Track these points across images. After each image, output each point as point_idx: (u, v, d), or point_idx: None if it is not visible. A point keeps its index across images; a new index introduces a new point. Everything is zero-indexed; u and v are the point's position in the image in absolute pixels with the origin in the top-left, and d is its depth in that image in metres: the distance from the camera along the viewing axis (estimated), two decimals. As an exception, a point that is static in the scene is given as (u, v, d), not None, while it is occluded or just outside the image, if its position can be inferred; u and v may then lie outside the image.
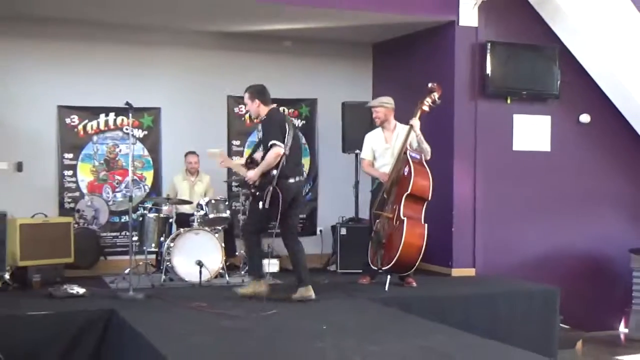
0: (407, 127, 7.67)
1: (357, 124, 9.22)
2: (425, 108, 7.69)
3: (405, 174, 7.49)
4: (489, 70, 8.75)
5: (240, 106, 9.77)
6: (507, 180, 9.03)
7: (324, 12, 8.44)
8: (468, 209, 8.77)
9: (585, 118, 9.35)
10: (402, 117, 7.85)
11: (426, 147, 7.66)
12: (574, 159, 9.36)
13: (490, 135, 8.89)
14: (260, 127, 7.19)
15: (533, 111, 9.14)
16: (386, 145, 7.83)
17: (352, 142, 9.28)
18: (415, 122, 7.60)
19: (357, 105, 9.40)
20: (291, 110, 10.00)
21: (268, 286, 7.10)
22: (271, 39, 9.73)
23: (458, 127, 8.71)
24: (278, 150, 6.76)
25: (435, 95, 7.72)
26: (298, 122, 10.04)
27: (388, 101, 7.86)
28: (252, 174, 6.94)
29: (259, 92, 7.07)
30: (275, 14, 8.57)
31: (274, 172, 6.79)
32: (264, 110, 7.06)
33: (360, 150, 8.85)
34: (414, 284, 7.78)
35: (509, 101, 9.00)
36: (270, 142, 6.80)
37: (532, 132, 9.15)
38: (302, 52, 9.98)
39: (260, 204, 6.80)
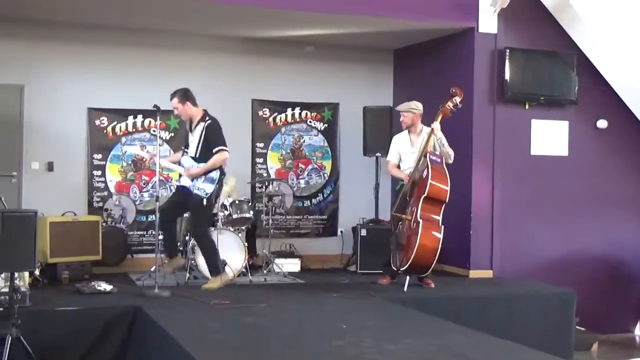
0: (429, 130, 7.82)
1: (377, 127, 9.41)
2: (447, 112, 7.83)
3: (424, 176, 7.59)
4: (507, 76, 8.85)
5: (264, 109, 9.95)
6: (525, 184, 9.12)
7: (346, 19, 8.56)
8: (486, 212, 8.86)
9: (602, 123, 9.41)
10: (423, 121, 7.96)
11: (448, 150, 7.76)
12: (591, 164, 9.42)
13: (509, 139, 8.99)
14: (203, 129, 7.48)
15: (551, 116, 9.21)
16: (412, 149, 7.90)
17: (372, 146, 9.46)
18: (436, 125, 7.72)
19: (378, 110, 9.58)
20: (314, 114, 10.16)
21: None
22: (294, 44, 9.87)
23: (477, 132, 8.81)
24: (226, 155, 7.42)
25: (457, 99, 7.84)
26: (320, 126, 10.21)
27: (416, 106, 7.92)
28: (195, 172, 7.41)
29: (187, 95, 7.53)
30: (298, 20, 8.71)
31: (217, 172, 7.40)
32: (196, 111, 7.56)
33: (381, 153, 9.06)
34: (432, 285, 7.86)
35: (527, 106, 9.09)
36: (219, 147, 7.37)
37: (549, 137, 9.23)
38: (324, 57, 10.10)
39: (205, 200, 7.37)
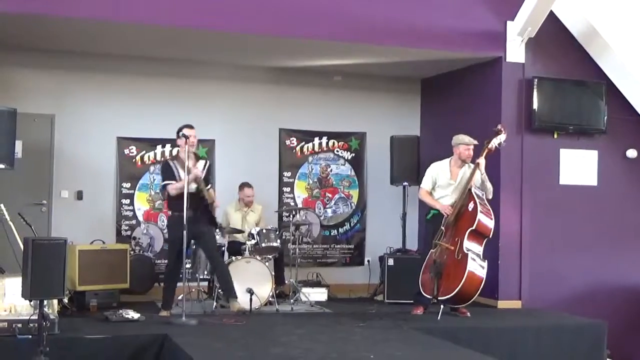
0: (472, 166, 7.82)
1: (405, 157, 9.41)
2: (492, 148, 7.84)
3: (470, 209, 7.61)
4: (535, 106, 8.83)
5: (291, 139, 9.99)
6: (554, 214, 9.05)
7: (373, 49, 8.59)
8: (514, 242, 8.81)
9: (632, 153, 9.34)
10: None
11: (489, 186, 7.81)
12: (620, 194, 9.35)
13: (537, 169, 8.96)
14: (205, 165, 7.74)
15: (580, 146, 9.17)
16: (451, 180, 7.90)
17: (399, 175, 9.46)
18: (482, 161, 7.75)
19: (406, 139, 9.58)
20: (341, 143, 10.18)
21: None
22: (322, 74, 9.92)
23: (505, 161, 8.77)
24: None
25: (502, 137, 7.87)
26: (348, 155, 10.23)
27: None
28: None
29: None
30: (326, 50, 8.75)
31: None
32: None
33: (408, 182, 9.17)
34: (468, 314, 7.86)
35: (555, 136, 9.06)
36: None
37: (578, 166, 9.18)
38: (352, 87, 10.15)
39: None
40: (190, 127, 7.55)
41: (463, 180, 7.82)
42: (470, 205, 7.62)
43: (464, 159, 7.89)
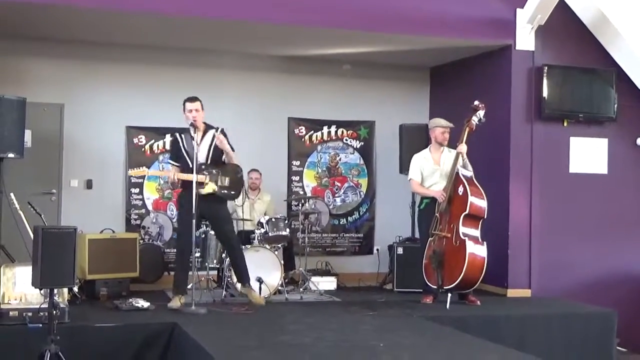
0: (453, 152, 7.83)
1: (414, 145, 9.32)
2: (472, 127, 7.85)
3: (461, 193, 7.63)
4: (545, 94, 8.79)
5: (300, 127, 9.98)
6: (564, 202, 9.02)
7: (383, 37, 8.58)
8: (524, 231, 8.79)
9: (642, 141, 9.33)
10: (450, 137, 8.00)
11: (471, 169, 7.84)
12: (630, 181, 9.29)
13: (547, 157, 8.93)
14: (214, 136, 7.43)
15: (590, 134, 9.13)
16: (435, 166, 7.97)
17: (409, 163, 9.39)
18: (464, 148, 7.76)
19: (415, 127, 9.54)
20: (350, 132, 10.17)
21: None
22: (331, 63, 9.90)
23: (514, 150, 8.75)
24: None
25: (481, 113, 7.87)
26: (357, 144, 10.21)
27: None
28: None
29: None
30: (335, 38, 8.74)
31: None
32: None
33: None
34: (478, 303, 7.87)
35: (565, 124, 9.02)
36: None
37: (588, 154, 9.14)
38: (361, 75, 10.12)
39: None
40: (192, 99, 7.43)
41: (447, 163, 7.86)
42: (460, 189, 7.64)
43: (440, 141, 7.97)
